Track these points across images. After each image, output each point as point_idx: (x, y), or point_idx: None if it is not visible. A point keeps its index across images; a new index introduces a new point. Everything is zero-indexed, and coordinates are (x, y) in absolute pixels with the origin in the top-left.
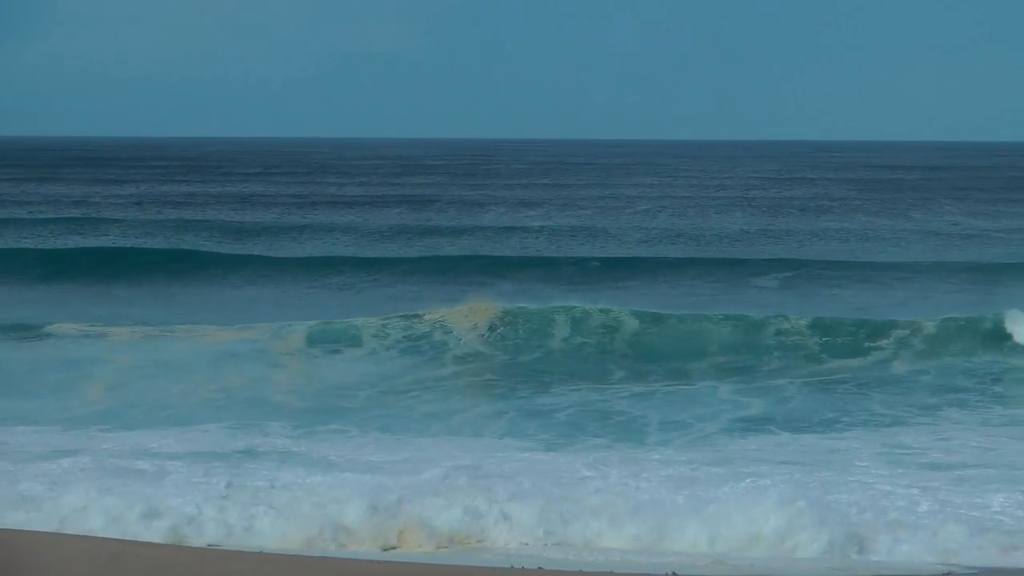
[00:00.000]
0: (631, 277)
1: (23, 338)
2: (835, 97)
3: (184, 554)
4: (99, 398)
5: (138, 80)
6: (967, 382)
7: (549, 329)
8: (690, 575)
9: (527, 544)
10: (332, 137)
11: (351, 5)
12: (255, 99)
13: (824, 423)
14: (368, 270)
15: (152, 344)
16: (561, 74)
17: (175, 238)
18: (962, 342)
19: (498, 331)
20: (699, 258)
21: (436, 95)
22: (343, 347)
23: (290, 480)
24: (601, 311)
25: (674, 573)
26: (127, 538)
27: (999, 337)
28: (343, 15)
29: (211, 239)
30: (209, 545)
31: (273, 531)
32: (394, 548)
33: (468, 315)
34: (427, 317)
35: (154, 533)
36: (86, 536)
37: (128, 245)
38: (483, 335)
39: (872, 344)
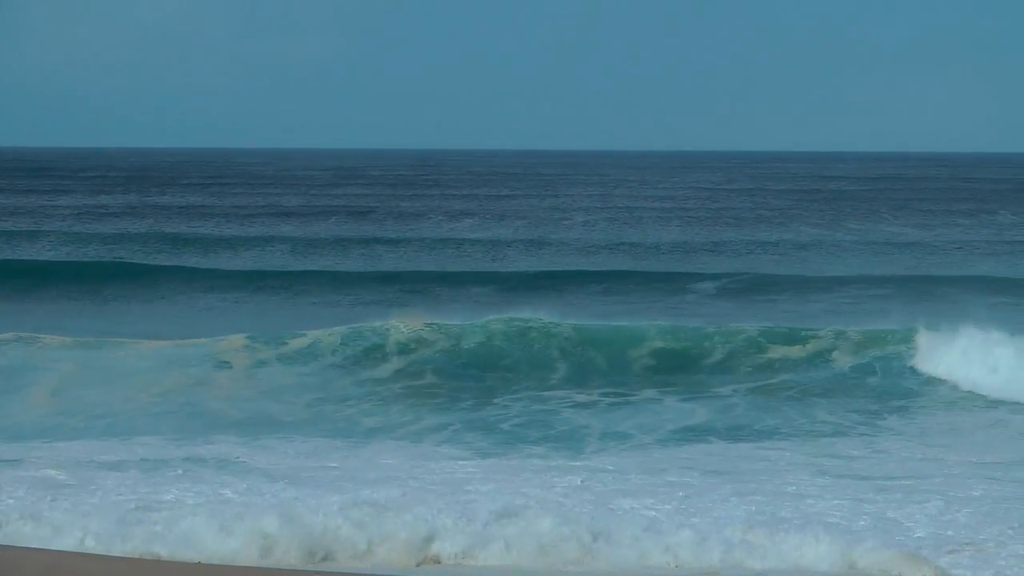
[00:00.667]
0: (565, 287)
1: None
2: (780, 108)
3: (119, 564)
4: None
5: (66, 92)
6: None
7: (486, 341)
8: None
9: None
10: (267, 148)
11: (279, 13)
12: (185, 110)
13: (761, 432)
14: (304, 282)
15: (88, 354)
16: (501, 84)
17: (107, 249)
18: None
19: (432, 343)
20: (637, 271)
21: (371, 104)
22: (280, 359)
23: (226, 490)
24: (539, 322)
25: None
26: (63, 549)
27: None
28: (272, 23)
29: (145, 251)
30: (142, 556)
31: (212, 542)
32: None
33: (405, 327)
34: (364, 329)
35: (90, 544)
36: (20, 547)
37: (62, 258)
38: (417, 347)
39: (815, 353)
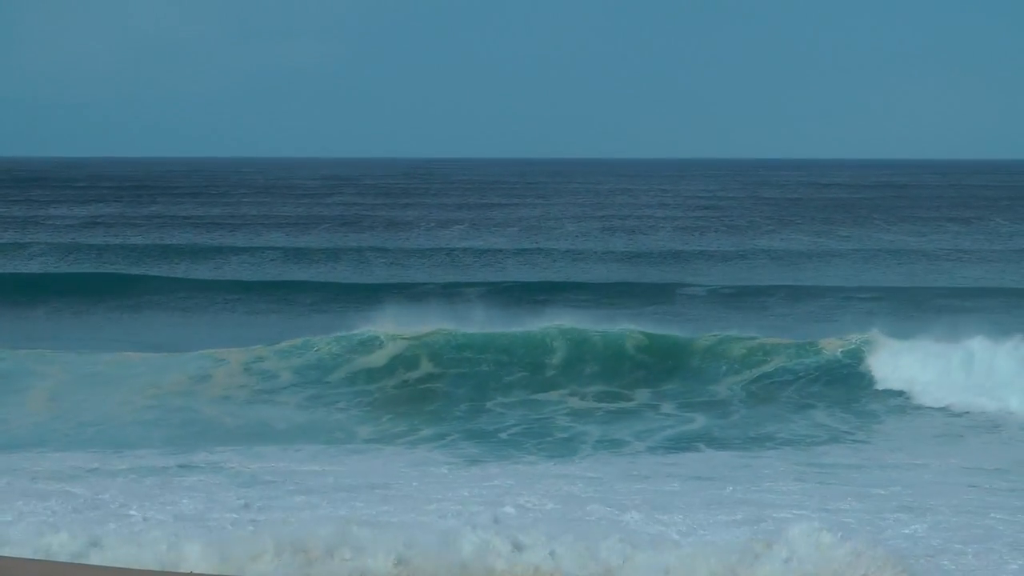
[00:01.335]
0: (561, 297)
1: None
2: (773, 116)
3: (110, 575)
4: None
5: (59, 101)
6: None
7: (483, 352)
8: None
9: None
10: (259, 157)
11: (272, 23)
12: (179, 119)
13: (752, 440)
14: (299, 291)
15: (77, 367)
16: (493, 92)
17: (96, 260)
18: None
19: (431, 353)
20: (631, 281)
21: (364, 113)
22: (275, 369)
23: (217, 498)
24: (540, 332)
25: None
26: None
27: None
28: (265, 33)
29: (136, 261)
30: (132, 567)
31: (202, 553)
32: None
33: (405, 334)
34: (356, 337)
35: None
36: (10, 557)
37: (51, 270)
38: (419, 357)
39: (807, 360)
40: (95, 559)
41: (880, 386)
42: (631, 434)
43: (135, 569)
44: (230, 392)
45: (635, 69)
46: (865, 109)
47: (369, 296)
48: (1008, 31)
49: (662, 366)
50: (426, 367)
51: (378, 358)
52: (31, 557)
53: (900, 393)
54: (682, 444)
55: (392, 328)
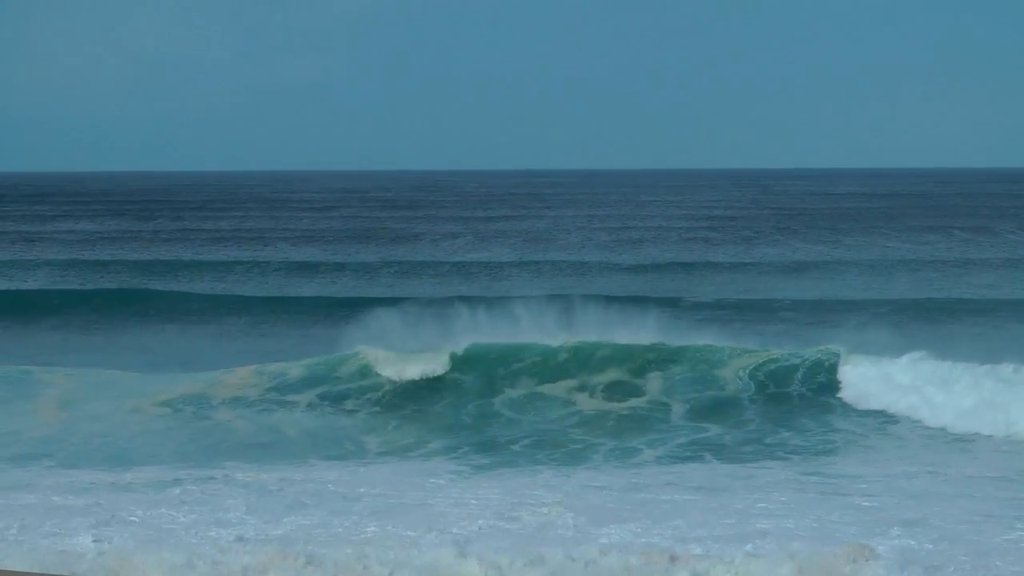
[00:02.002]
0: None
1: None
2: (780, 126)
3: None
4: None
5: (65, 116)
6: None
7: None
8: None
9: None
10: (266, 170)
11: (280, 36)
12: (185, 133)
13: (753, 454)
14: (304, 306)
15: (79, 386)
16: (498, 104)
17: (100, 275)
18: None
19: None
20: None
21: (371, 126)
22: (286, 387)
23: (220, 514)
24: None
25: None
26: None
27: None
28: (273, 47)
29: (149, 276)
30: None
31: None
32: None
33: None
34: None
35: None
36: (10, 571)
37: (57, 286)
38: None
39: (827, 373)
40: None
41: (844, 398)
42: (628, 442)
43: None
44: (241, 404)
45: (640, 81)
46: (871, 118)
47: (380, 307)
48: (1018, 39)
49: (703, 374)
50: (435, 379)
51: (387, 372)
52: (40, 572)
53: (871, 409)
54: (688, 453)
55: (402, 343)
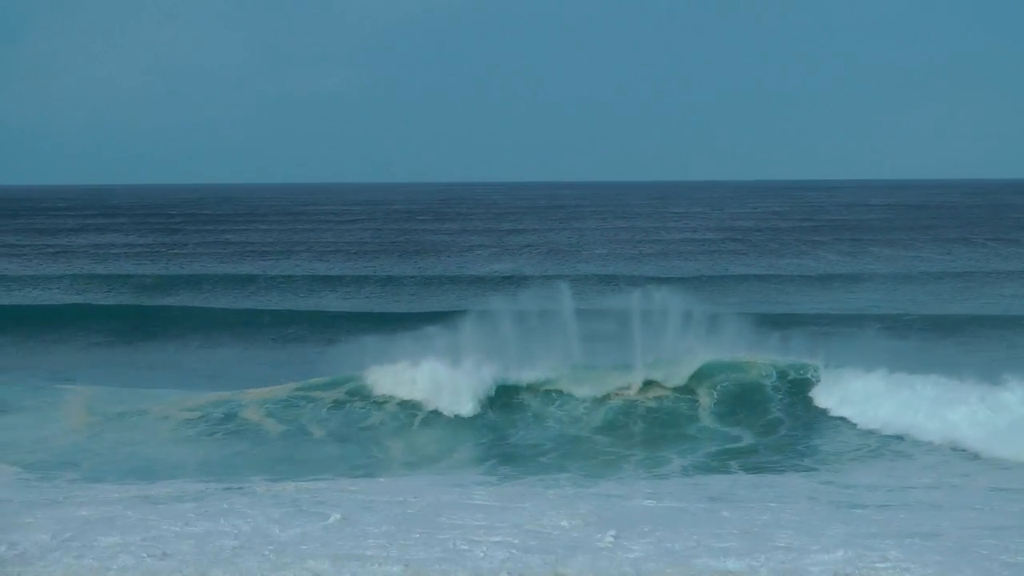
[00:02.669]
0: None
1: None
2: (800, 136)
3: None
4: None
5: (88, 128)
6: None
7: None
8: None
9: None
10: (288, 183)
11: (302, 50)
12: (206, 145)
13: (778, 464)
14: (331, 321)
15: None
16: (521, 116)
17: (129, 293)
18: None
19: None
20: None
21: (393, 138)
22: (312, 400)
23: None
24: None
25: None
26: None
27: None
28: (297, 60)
29: (174, 290)
30: None
31: None
32: None
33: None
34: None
35: None
36: None
37: (74, 300)
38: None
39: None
40: None
41: (824, 411)
42: (658, 452)
43: None
44: (266, 416)
45: (667, 94)
46: (893, 129)
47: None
48: None
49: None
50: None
51: (411, 390)
52: None
53: (842, 419)
54: (715, 463)
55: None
